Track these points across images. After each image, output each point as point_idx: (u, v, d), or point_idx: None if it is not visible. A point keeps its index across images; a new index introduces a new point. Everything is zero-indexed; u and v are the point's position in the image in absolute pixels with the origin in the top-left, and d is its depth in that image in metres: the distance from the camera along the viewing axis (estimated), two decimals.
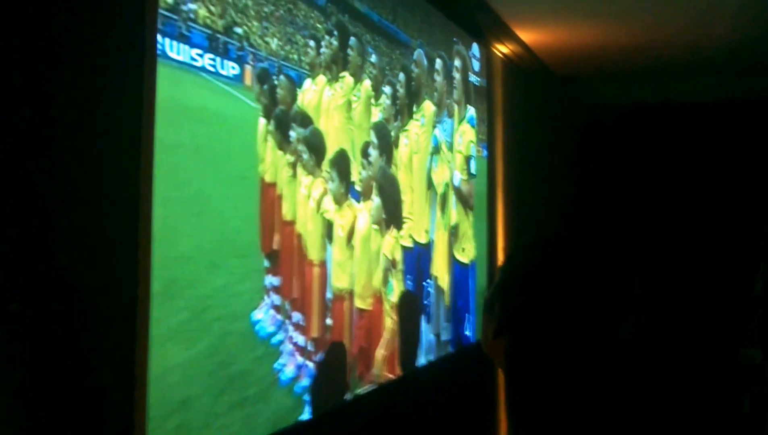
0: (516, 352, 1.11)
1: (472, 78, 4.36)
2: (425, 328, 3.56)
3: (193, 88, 2.06)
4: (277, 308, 2.38)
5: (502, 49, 4.98)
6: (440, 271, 3.74)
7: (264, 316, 2.30)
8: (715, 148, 6.16)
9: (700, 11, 4.35)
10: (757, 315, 3.20)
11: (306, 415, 2.50)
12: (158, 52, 1.89)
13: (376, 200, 3.03)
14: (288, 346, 2.43)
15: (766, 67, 5.76)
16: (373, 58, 3.10)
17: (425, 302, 3.57)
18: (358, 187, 2.92)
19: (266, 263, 2.33)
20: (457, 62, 4.08)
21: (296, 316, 2.49)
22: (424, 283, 3.55)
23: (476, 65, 4.48)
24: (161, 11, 1.91)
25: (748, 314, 3.23)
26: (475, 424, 4.39)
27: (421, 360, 3.50)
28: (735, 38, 4.94)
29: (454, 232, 3.94)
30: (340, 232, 2.77)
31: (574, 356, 1.15)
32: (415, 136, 3.47)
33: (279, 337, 2.38)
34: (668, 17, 4.50)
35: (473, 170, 4.24)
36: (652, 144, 6.34)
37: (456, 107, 4.03)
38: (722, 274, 5.62)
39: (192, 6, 2.06)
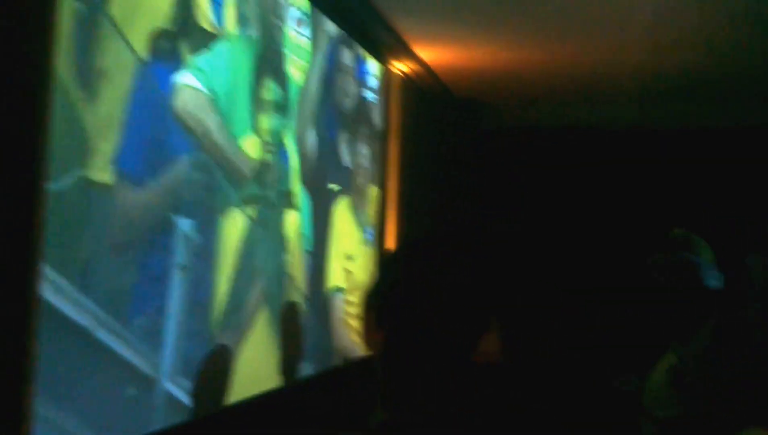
0: (389, 347, 1.35)
1: (369, 95, 4.76)
2: (314, 339, 3.93)
3: None
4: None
5: (401, 67, 5.29)
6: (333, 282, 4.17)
7: None
8: (618, 176, 6.71)
9: (602, 39, 4.79)
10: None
11: (188, 416, 2.78)
12: None
13: None
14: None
15: (671, 97, 6.35)
16: None
17: (313, 315, 3.94)
18: None
19: None
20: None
21: None
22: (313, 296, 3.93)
23: (374, 82, 4.87)
24: None
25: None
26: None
27: (307, 370, 3.83)
28: (641, 67, 5.43)
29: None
30: None
31: (439, 365, 1.40)
32: None
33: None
34: (573, 44, 4.93)
35: None
36: (554, 169, 6.84)
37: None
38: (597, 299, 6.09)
39: None
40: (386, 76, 5.14)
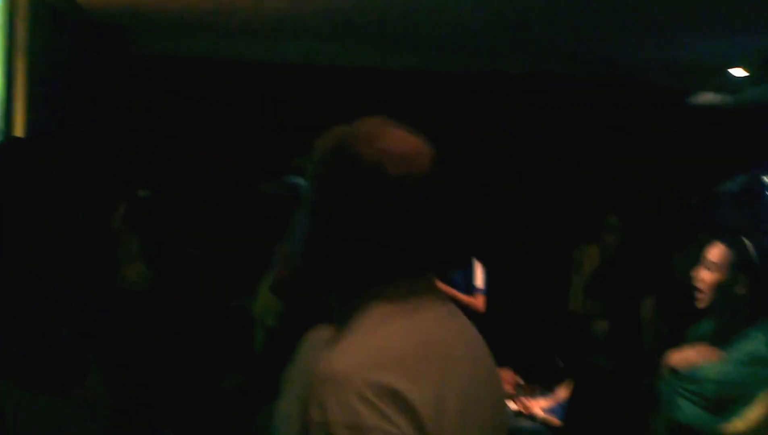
0: None
1: None
2: None
3: None
4: None
5: None
6: None
7: None
8: (259, 108, 7.01)
9: None
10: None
11: None
12: None
13: None
14: None
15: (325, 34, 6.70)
16: None
17: None
18: None
19: None
20: None
21: None
22: None
23: None
24: None
25: None
26: None
27: None
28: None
29: None
30: None
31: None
32: None
33: None
34: None
35: None
36: (208, 101, 6.98)
37: None
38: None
39: None
40: None
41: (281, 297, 2.97)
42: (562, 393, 4.62)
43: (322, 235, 1.27)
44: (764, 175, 6.97)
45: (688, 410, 2.58)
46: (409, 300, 1.24)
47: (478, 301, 5.15)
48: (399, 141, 1.26)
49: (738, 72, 7.24)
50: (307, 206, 1.30)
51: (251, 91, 7.04)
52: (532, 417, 4.52)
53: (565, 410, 4.44)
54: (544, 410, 4.55)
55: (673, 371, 2.71)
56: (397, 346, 1.17)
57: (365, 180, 1.23)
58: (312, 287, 1.37)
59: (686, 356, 2.72)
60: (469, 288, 5.14)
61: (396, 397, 1.11)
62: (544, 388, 4.87)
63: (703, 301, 2.71)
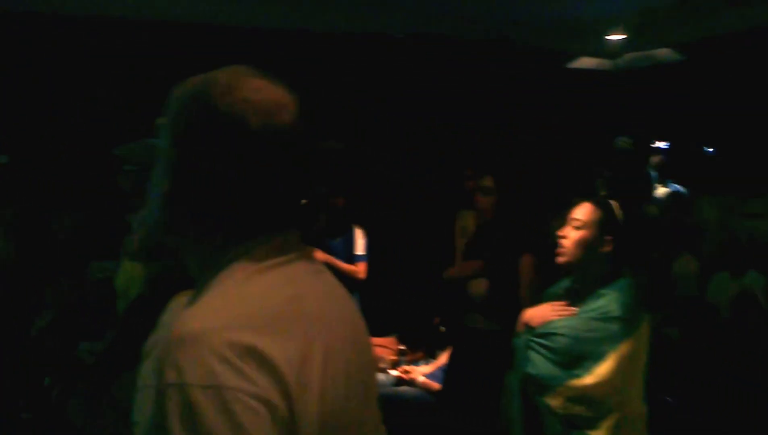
0: None
1: None
2: None
3: None
4: None
5: None
6: None
7: None
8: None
9: None
10: None
11: None
12: None
13: None
14: None
15: None
16: None
17: None
18: None
19: None
20: None
21: None
22: None
23: None
24: None
25: None
26: None
27: None
28: None
29: None
30: None
31: None
32: None
33: None
34: None
35: None
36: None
37: None
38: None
39: None
40: None
41: (142, 262, 2.90)
42: (444, 358, 4.70)
43: (179, 192, 1.21)
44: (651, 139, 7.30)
45: (539, 364, 2.63)
46: (273, 258, 1.20)
47: (359, 269, 5.14)
48: (260, 91, 1.20)
49: (616, 36, 7.47)
50: (163, 162, 1.23)
51: (111, 50, 6.84)
52: (412, 383, 4.58)
53: (444, 374, 4.52)
54: (425, 375, 4.61)
55: (527, 326, 2.77)
56: (257, 305, 1.13)
57: (224, 132, 1.17)
58: (170, 248, 1.32)
59: (540, 312, 2.77)
60: (350, 255, 5.14)
61: (255, 356, 1.07)
62: (428, 354, 4.95)
63: (565, 256, 2.76)
